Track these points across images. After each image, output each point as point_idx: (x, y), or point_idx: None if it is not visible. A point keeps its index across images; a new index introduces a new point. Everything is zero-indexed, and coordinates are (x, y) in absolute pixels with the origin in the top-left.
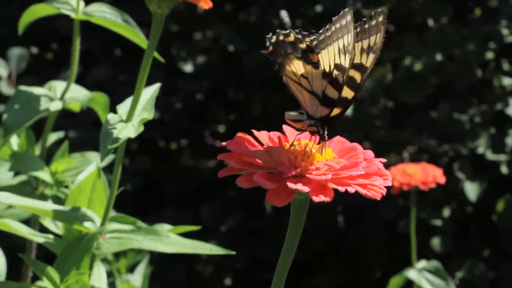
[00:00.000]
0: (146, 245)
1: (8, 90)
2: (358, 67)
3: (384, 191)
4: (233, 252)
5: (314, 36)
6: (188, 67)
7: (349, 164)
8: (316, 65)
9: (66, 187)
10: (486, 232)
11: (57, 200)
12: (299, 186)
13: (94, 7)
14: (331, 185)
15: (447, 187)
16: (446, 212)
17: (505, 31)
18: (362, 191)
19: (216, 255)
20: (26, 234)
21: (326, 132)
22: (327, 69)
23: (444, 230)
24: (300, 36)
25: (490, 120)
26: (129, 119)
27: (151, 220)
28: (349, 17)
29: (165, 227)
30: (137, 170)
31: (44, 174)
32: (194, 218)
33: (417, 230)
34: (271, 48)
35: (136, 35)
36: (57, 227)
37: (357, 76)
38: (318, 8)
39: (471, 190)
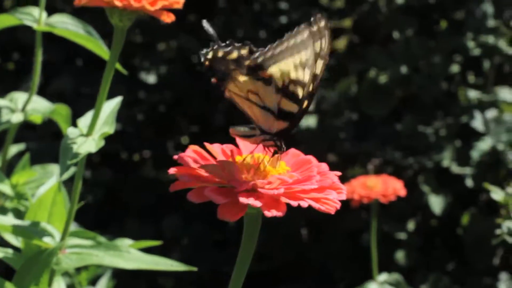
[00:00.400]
0: (106, 261)
1: None
2: (295, 82)
3: (338, 205)
4: (194, 268)
5: (258, 51)
6: (151, 78)
7: (303, 177)
8: (268, 81)
9: (27, 199)
10: (451, 245)
11: (18, 213)
12: (251, 201)
13: (56, 18)
14: (284, 199)
15: (412, 200)
16: (411, 225)
17: (471, 44)
18: (315, 205)
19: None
20: None
21: (283, 145)
22: (279, 84)
23: (409, 243)
24: (243, 53)
25: (456, 133)
26: (90, 133)
27: (113, 231)
28: (305, 34)
29: (126, 242)
30: (99, 182)
31: (4, 187)
32: (156, 230)
33: (381, 243)
34: (207, 63)
35: (98, 47)
36: (18, 241)
37: (295, 90)
38: (283, 19)
39: (436, 203)
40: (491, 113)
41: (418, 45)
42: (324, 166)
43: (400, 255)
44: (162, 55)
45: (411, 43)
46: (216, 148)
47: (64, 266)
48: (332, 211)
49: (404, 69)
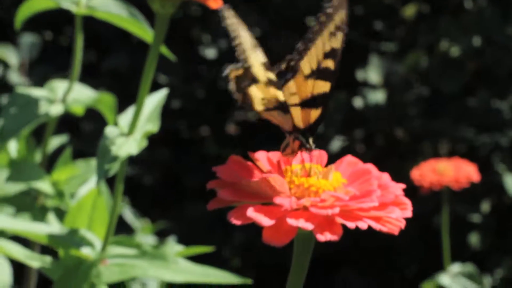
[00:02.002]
0: (151, 273)
1: (19, 79)
2: (330, 54)
3: (403, 224)
4: (249, 281)
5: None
6: (210, 53)
7: (361, 193)
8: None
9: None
10: None
11: (59, 213)
12: (301, 223)
13: (98, 0)
14: (339, 220)
15: (486, 180)
16: (485, 207)
17: None
18: (376, 226)
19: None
20: (22, 258)
21: (311, 142)
22: (313, 66)
23: (483, 226)
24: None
25: None
26: (131, 131)
27: (172, 215)
28: (330, 10)
29: (174, 249)
30: (157, 161)
31: (43, 185)
32: (217, 213)
33: (453, 225)
34: (232, 85)
35: (144, 31)
36: None
37: (330, 64)
38: None
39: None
40: None
41: (491, 14)
42: (385, 177)
43: (474, 239)
44: (222, 29)
45: (484, 12)
46: (261, 157)
47: (105, 279)
48: (395, 231)
49: (477, 41)
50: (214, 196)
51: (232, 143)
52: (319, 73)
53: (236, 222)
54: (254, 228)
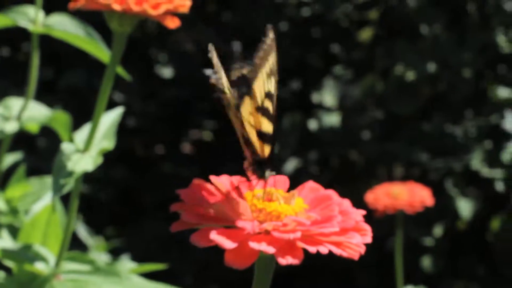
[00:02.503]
0: None
1: None
2: (268, 95)
3: (363, 250)
4: None
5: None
6: (167, 72)
7: (322, 218)
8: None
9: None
10: (479, 251)
11: (13, 230)
12: (263, 246)
13: (55, 19)
14: (301, 244)
15: (439, 203)
16: (438, 230)
17: (501, 40)
18: (336, 250)
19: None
20: None
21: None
22: (259, 102)
23: (435, 249)
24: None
25: (486, 133)
26: (87, 148)
27: (128, 232)
28: (271, 35)
29: (127, 266)
30: (112, 180)
31: None
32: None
33: (406, 248)
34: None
35: (100, 50)
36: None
37: (269, 105)
38: (306, 11)
39: (465, 207)
40: None
41: (447, 40)
42: (346, 203)
43: (426, 262)
44: (179, 48)
45: (439, 38)
46: (224, 181)
47: None
48: (355, 256)
49: (432, 66)
50: (172, 215)
51: (187, 162)
52: (263, 111)
53: (199, 244)
54: (211, 247)
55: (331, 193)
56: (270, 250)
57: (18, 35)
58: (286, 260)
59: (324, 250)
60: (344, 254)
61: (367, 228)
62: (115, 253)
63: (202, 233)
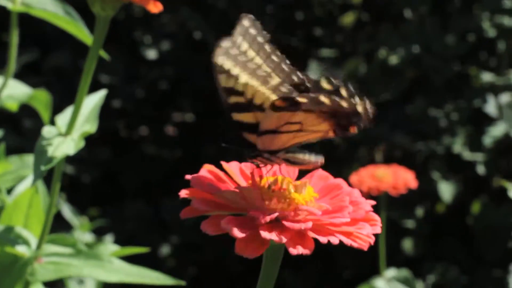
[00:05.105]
0: (86, 272)
1: None
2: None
3: (373, 240)
4: (183, 283)
5: None
6: (151, 54)
7: (333, 208)
8: None
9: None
10: (460, 234)
11: None
12: (274, 236)
13: None
14: (311, 234)
15: (421, 186)
16: (419, 212)
17: (486, 25)
18: (346, 241)
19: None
20: None
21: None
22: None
23: (417, 232)
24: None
25: (467, 117)
26: (69, 132)
27: (110, 213)
28: (246, 22)
29: (109, 249)
30: (96, 161)
31: None
32: (156, 211)
33: (388, 230)
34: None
35: (79, 30)
36: None
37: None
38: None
39: (446, 190)
40: (505, 98)
41: (431, 24)
42: (356, 192)
43: (407, 244)
44: (164, 30)
45: (424, 22)
46: (233, 168)
47: (39, 277)
48: (365, 247)
49: (416, 50)
50: (152, 196)
51: (170, 144)
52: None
53: (210, 232)
54: (194, 228)
55: (341, 181)
56: (282, 239)
57: (2, 15)
58: (297, 250)
59: (335, 240)
60: (355, 244)
61: (377, 218)
62: (99, 233)
63: (212, 221)
